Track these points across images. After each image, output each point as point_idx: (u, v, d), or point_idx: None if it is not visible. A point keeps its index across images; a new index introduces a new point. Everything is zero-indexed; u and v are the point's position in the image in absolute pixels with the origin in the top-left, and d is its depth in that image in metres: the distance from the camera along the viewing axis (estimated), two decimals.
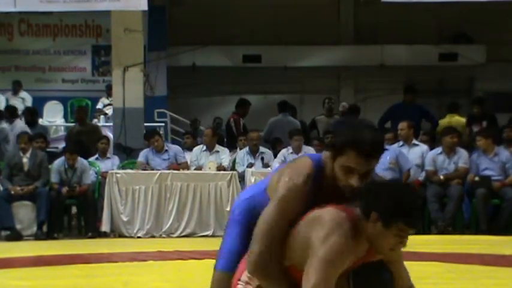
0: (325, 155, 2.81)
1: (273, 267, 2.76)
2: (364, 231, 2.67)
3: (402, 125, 10.74)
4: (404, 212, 2.64)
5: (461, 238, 9.39)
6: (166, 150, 10.66)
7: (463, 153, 10.39)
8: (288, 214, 2.77)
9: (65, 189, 10.01)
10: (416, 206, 2.69)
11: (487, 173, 10.15)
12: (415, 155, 10.63)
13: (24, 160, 10.16)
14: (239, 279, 2.93)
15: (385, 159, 10.16)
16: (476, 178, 10.15)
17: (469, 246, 8.25)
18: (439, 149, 10.50)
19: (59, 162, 10.27)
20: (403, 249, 2.88)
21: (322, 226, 2.65)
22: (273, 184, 2.90)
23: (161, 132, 12.67)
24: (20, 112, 12.66)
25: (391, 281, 2.89)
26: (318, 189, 2.80)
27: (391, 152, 10.25)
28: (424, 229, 10.38)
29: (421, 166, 10.61)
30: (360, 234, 2.67)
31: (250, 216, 3.00)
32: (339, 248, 2.60)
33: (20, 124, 11.88)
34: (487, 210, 10.00)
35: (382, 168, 10.13)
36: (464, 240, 9.14)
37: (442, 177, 10.25)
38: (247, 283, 2.92)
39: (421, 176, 10.53)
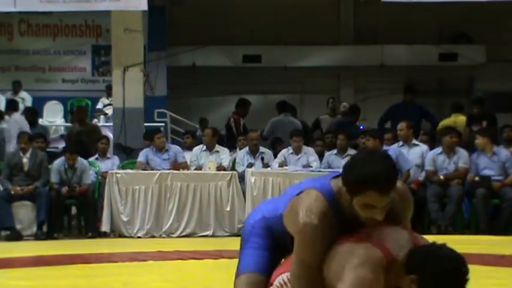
0: (338, 186, 2.75)
1: None
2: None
3: (402, 125, 10.75)
4: None
5: (461, 238, 9.39)
6: (166, 150, 10.67)
7: (463, 153, 10.39)
8: (312, 257, 2.74)
9: (64, 189, 10.01)
10: None
11: (487, 172, 10.15)
12: (415, 155, 10.63)
13: (24, 160, 10.16)
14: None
15: None
16: (476, 178, 10.15)
17: (469, 246, 8.23)
18: (439, 149, 10.50)
19: (59, 162, 10.27)
20: None
21: (357, 259, 2.63)
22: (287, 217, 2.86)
23: None
24: (20, 112, 12.66)
25: None
26: (338, 218, 2.76)
27: (391, 152, 10.26)
28: (424, 229, 10.38)
29: (421, 166, 10.61)
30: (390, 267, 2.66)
31: (269, 232, 3.02)
32: (368, 279, 2.59)
33: (19, 117, 11.88)
34: (487, 210, 10.00)
35: None
36: (464, 240, 9.13)
37: (442, 177, 10.25)
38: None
39: (421, 176, 10.53)
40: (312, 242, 2.72)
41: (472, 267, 6.86)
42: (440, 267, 2.56)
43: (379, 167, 2.66)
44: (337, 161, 10.68)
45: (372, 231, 2.69)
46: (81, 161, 10.32)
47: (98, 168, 10.69)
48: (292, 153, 10.74)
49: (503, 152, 10.30)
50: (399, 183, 2.85)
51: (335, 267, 2.67)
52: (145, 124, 12.31)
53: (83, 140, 11.55)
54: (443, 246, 2.65)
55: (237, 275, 3.07)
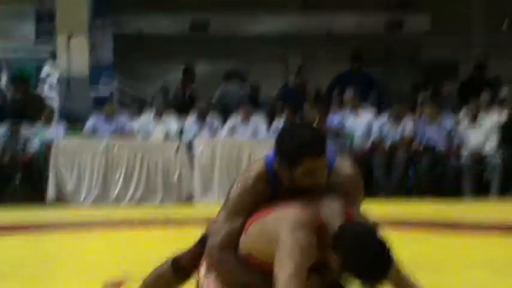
0: (276, 164, 2.81)
1: (229, 256, 2.81)
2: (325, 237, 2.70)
3: (349, 93, 10.83)
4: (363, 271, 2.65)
5: (406, 204, 9.52)
6: (114, 119, 10.56)
7: (408, 122, 10.52)
8: (241, 212, 2.83)
9: (6, 159, 9.85)
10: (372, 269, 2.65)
11: (432, 142, 10.30)
12: (361, 124, 10.73)
13: None
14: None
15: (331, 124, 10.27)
16: (421, 147, 10.30)
17: (414, 213, 8.38)
18: (385, 118, 10.61)
19: (1, 131, 10.09)
20: None
21: (290, 222, 2.66)
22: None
23: None
24: None
25: None
26: (274, 190, 2.84)
27: (337, 120, 10.34)
28: (369, 196, 10.51)
29: (367, 134, 10.71)
30: (322, 236, 2.69)
31: None
32: (305, 241, 2.61)
33: None
34: (431, 177, 10.17)
35: (329, 136, 10.21)
36: (408, 206, 9.26)
37: (388, 145, 10.37)
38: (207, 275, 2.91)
39: (368, 145, 10.63)
40: (241, 200, 2.84)
41: (417, 233, 6.97)
42: (364, 256, 2.59)
43: (307, 133, 2.75)
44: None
45: (303, 202, 2.72)
46: (24, 129, 10.16)
47: (42, 137, 10.54)
48: (240, 121, 10.73)
49: (448, 121, 10.46)
50: (350, 167, 2.91)
51: (268, 232, 2.71)
52: (91, 93, 12.14)
53: (27, 109, 11.36)
54: (370, 230, 2.67)
55: None
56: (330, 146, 2.90)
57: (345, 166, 2.89)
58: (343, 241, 2.63)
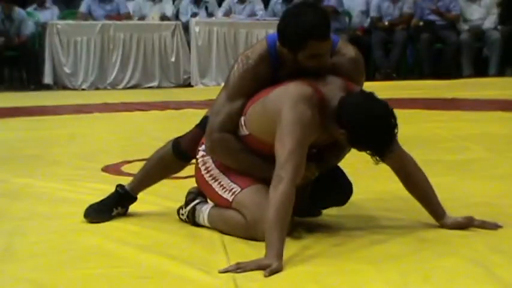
0: (279, 46, 2.75)
1: (229, 137, 2.80)
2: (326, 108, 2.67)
3: None
4: (372, 143, 2.64)
5: (405, 83, 9.52)
6: (110, 1, 10.38)
7: None
8: (242, 92, 2.79)
9: (1, 40, 9.75)
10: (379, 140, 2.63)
11: (431, 17, 10.18)
12: (360, 1, 10.57)
13: None
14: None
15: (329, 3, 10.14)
16: (421, 23, 10.19)
17: (413, 92, 8.38)
18: None
19: None
20: None
21: (290, 97, 2.64)
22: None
23: None
24: None
25: (350, 187, 2.93)
26: (276, 72, 2.79)
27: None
28: (369, 76, 10.47)
29: (366, 12, 10.58)
30: (323, 110, 2.66)
31: None
32: (306, 115, 2.59)
33: None
34: (430, 54, 10.11)
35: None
36: (408, 85, 9.27)
37: (386, 23, 10.25)
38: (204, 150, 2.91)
39: (366, 23, 10.52)
40: (243, 78, 2.79)
41: (415, 112, 7.02)
42: (369, 123, 2.57)
43: (312, 16, 2.68)
44: (282, 10, 10.55)
45: (304, 79, 2.69)
46: (18, 11, 10.02)
47: (37, 18, 10.40)
48: (237, 1, 10.57)
49: None
50: (352, 49, 2.87)
51: (268, 110, 2.69)
52: None
53: None
54: (372, 98, 2.64)
55: None
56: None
57: (347, 48, 2.85)
58: (346, 112, 2.61)
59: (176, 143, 3.06)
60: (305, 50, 2.67)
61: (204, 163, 2.89)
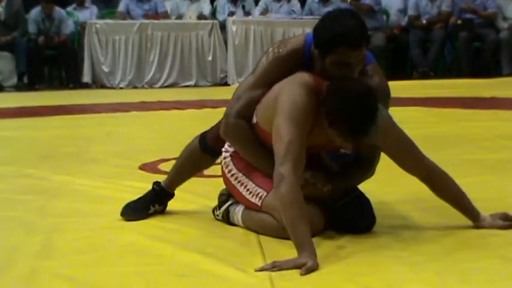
0: (313, 47, 2.72)
1: (243, 124, 2.79)
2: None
3: None
4: (347, 127, 2.54)
5: (443, 82, 9.45)
6: (148, 1, 10.44)
7: None
8: (266, 81, 2.76)
9: (41, 39, 9.87)
10: (358, 124, 2.53)
11: (470, 15, 10.09)
12: (397, 0, 10.52)
13: (0, 10, 9.95)
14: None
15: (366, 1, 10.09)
16: (459, 21, 10.10)
17: (451, 90, 8.32)
18: None
19: (36, 12, 10.08)
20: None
21: (289, 83, 2.64)
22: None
23: None
24: None
25: (372, 221, 2.83)
26: (304, 69, 2.74)
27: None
28: (406, 74, 10.42)
29: (403, 11, 10.51)
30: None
31: None
32: (303, 100, 2.58)
33: None
34: (468, 53, 10.02)
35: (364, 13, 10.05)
36: (445, 84, 9.19)
37: (424, 21, 10.17)
38: (226, 151, 2.92)
39: (404, 21, 10.46)
40: (271, 67, 2.77)
41: (453, 111, 6.97)
42: (346, 100, 2.50)
43: (349, 23, 2.64)
44: (319, 9, 10.54)
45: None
46: (58, 11, 10.13)
47: (76, 18, 10.50)
48: (273, 0, 10.57)
49: None
50: (381, 76, 2.82)
51: (270, 98, 2.69)
52: None
53: None
54: (354, 79, 2.60)
55: None
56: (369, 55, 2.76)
57: (377, 72, 2.81)
58: (327, 97, 2.59)
59: (202, 137, 3.07)
60: (334, 55, 2.63)
61: (227, 165, 2.89)
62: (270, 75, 2.76)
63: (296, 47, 2.77)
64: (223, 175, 2.93)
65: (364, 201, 2.86)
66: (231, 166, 2.88)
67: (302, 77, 2.66)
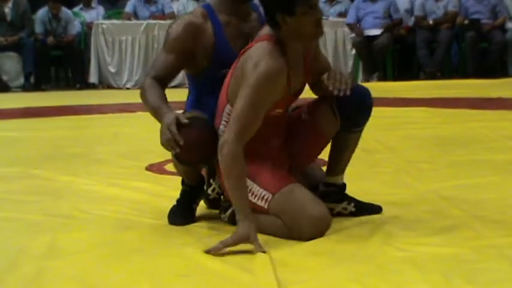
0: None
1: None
2: (286, 42, 2.69)
3: None
4: None
5: (450, 83, 9.43)
6: (154, 2, 10.46)
7: None
8: (174, 44, 2.95)
9: (50, 40, 9.89)
10: None
11: (477, 16, 10.07)
12: (404, 0, 10.50)
13: (6, 10, 9.97)
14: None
15: (380, 8, 10.06)
16: (466, 21, 10.08)
17: (457, 91, 8.30)
18: None
19: (42, 12, 10.10)
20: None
21: (251, 58, 2.66)
22: None
23: None
24: None
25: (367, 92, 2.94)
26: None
27: (385, 1, 10.12)
28: (413, 75, 10.40)
29: (410, 11, 10.50)
30: (286, 50, 2.69)
31: None
32: (270, 68, 2.61)
33: None
34: (475, 53, 9.99)
35: (376, 16, 10.04)
36: (452, 84, 9.17)
37: (431, 22, 10.16)
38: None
39: (410, 22, 10.44)
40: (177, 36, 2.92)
41: (459, 111, 6.95)
42: None
43: None
44: (326, 9, 10.55)
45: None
46: (65, 11, 10.15)
47: (82, 18, 10.52)
48: None
49: None
50: None
51: (237, 72, 2.73)
52: None
53: None
54: None
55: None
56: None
57: None
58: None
59: None
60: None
61: None
62: (179, 42, 2.88)
63: (199, 13, 2.90)
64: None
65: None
66: None
67: (262, 45, 2.68)
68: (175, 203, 3.06)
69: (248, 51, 2.72)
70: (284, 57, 2.68)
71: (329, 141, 2.97)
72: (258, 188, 2.79)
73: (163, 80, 2.94)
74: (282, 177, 2.80)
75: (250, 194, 2.78)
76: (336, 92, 2.76)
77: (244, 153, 2.64)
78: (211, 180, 3.07)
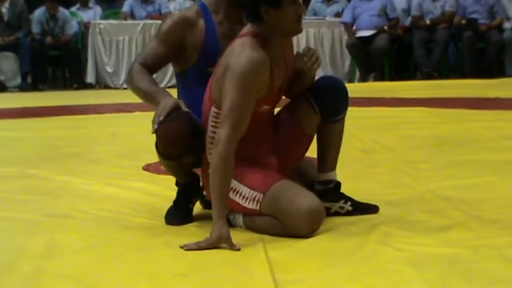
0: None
1: None
2: (267, 37, 2.72)
3: None
4: None
5: (447, 83, 9.44)
6: (152, 2, 10.46)
7: None
8: (166, 37, 3.02)
9: (48, 39, 9.88)
10: None
11: (474, 16, 10.08)
12: (401, 0, 10.51)
13: (3, 10, 9.97)
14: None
15: (376, 5, 10.07)
16: (463, 21, 10.09)
17: (454, 91, 8.31)
18: None
19: (39, 12, 10.09)
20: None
21: (233, 52, 2.68)
22: None
23: None
24: None
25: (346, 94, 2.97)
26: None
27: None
28: (410, 75, 10.41)
29: (407, 11, 10.50)
30: (267, 45, 2.71)
31: None
32: (253, 59, 2.63)
33: None
34: (472, 53, 10.00)
35: (372, 14, 10.03)
36: (449, 84, 9.18)
37: (428, 21, 10.16)
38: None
39: (407, 22, 10.45)
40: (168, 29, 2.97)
41: (457, 111, 6.96)
42: None
43: None
44: (323, 9, 10.55)
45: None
46: (62, 11, 10.15)
47: (80, 18, 10.52)
48: None
49: None
50: None
51: (221, 68, 2.74)
52: None
53: None
54: None
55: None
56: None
57: None
58: None
59: None
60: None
61: None
62: (171, 32, 2.93)
63: (194, 10, 2.96)
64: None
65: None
66: None
67: (243, 40, 2.70)
68: (172, 203, 3.06)
69: (229, 48, 2.75)
70: (265, 50, 2.69)
71: (312, 138, 2.98)
72: (247, 189, 2.77)
73: (150, 68, 2.98)
74: (270, 176, 2.79)
75: (240, 197, 2.77)
76: (309, 64, 2.83)
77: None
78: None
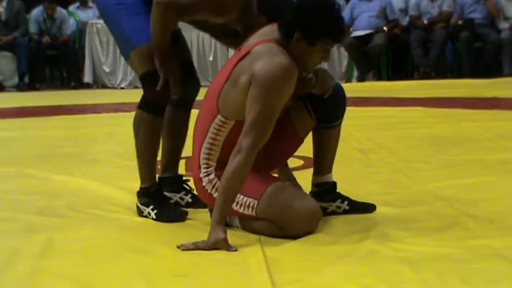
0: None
1: None
2: (290, 53, 2.67)
3: None
4: (329, 28, 2.64)
5: (444, 82, 9.45)
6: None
7: None
8: None
9: (46, 39, 9.88)
10: (339, 21, 2.67)
11: (471, 15, 10.08)
12: (398, 0, 10.51)
13: (0, 10, 9.96)
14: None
15: (376, 6, 10.07)
16: (460, 21, 10.10)
17: (452, 90, 8.32)
18: None
19: (37, 11, 10.09)
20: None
21: (260, 56, 2.63)
22: None
23: None
24: None
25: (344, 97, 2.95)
26: None
27: (382, 0, 10.13)
28: (407, 74, 10.42)
29: (404, 11, 10.51)
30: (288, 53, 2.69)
31: None
32: (286, 66, 2.58)
33: None
34: (470, 53, 10.01)
35: (371, 15, 10.04)
36: (446, 84, 9.19)
37: (425, 21, 10.17)
38: (207, 174, 2.83)
39: (405, 21, 10.45)
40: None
41: (454, 111, 6.97)
42: (316, 12, 2.63)
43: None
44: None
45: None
46: (60, 11, 10.14)
47: (77, 18, 10.51)
48: None
49: None
50: None
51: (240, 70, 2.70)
52: None
53: None
54: None
55: (127, 54, 3.16)
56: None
57: None
58: (294, 12, 2.66)
59: (143, 105, 3.28)
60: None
61: (213, 185, 2.79)
62: None
63: None
64: (209, 198, 2.83)
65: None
66: (217, 182, 2.77)
67: (271, 46, 2.67)
68: (155, 211, 3.05)
69: (252, 52, 2.68)
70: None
71: (303, 140, 2.97)
72: (241, 196, 2.74)
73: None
74: (263, 180, 2.77)
75: (236, 206, 2.75)
76: (319, 92, 2.81)
77: (225, 161, 2.64)
78: None
